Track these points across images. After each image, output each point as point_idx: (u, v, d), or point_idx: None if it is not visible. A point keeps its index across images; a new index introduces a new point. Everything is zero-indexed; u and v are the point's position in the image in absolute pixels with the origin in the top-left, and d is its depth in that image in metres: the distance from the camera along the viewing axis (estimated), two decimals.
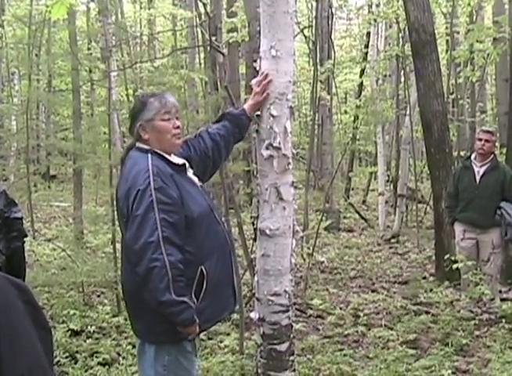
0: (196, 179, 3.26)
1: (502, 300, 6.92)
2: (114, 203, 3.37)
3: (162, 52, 23.00)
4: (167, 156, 3.12)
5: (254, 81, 3.52)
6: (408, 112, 13.43)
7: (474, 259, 6.69)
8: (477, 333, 6.03)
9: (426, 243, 11.40)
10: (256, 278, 3.66)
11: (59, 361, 5.03)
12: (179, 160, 3.17)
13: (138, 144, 3.16)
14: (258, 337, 3.67)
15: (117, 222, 4.52)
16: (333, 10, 17.67)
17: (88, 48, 18.83)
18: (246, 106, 3.58)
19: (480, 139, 6.86)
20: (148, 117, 3.16)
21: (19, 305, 1.81)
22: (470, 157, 7.17)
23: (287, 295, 3.60)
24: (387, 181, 17.07)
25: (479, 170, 6.91)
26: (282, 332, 3.59)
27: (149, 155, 3.05)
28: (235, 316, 6.10)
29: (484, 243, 6.87)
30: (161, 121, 3.17)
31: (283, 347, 3.61)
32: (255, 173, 3.62)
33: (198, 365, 3.33)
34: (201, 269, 3.00)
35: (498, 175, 6.82)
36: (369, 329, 6.24)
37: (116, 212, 3.15)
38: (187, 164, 3.23)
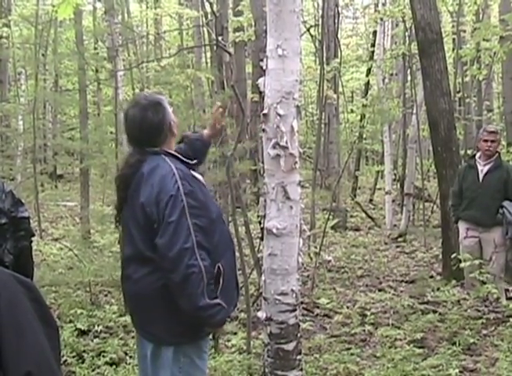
0: (201, 178, 3.21)
1: (509, 299, 6.90)
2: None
3: (168, 52, 23.02)
4: (179, 156, 3.07)
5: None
6: (414, 111, 13.41)
7: (477, 258, 6.67)
8: (484, 332, 6.00)
9: (433, 242, 11.38)
10: (263, 277, 3.67)
11: (66, 360, 5.03)
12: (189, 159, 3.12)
13: (148, 148, 3.03)
14: (265, 336, 3.67)
15: None
16: (340, 9, 17.66)
17: (95, 48, 18.89)
18: (204, 132, 3.67)
19: (486, 140, 6.86)
20: (172, 115, 3.13)
21: (25, 303, 1.81)
22: (474, 155, 7.17)
23: (294, 294, 3.60)
24: (394, 180, 17.08)
25: (483, 168, 6.92)
26: (289, 331, 3.60)
27: (165, 157, 2.99)
28: (242, 315, 6.10)
29: (486, 241, 6.87)
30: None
31: (290, 346, 3.61)
32: (262, 172, 3.62)
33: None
34: (218, 267, 2.98)
35: (501, 174, 6.83)
36: (377, 328, 6.22)
37: (130, 217, 3.03)
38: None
